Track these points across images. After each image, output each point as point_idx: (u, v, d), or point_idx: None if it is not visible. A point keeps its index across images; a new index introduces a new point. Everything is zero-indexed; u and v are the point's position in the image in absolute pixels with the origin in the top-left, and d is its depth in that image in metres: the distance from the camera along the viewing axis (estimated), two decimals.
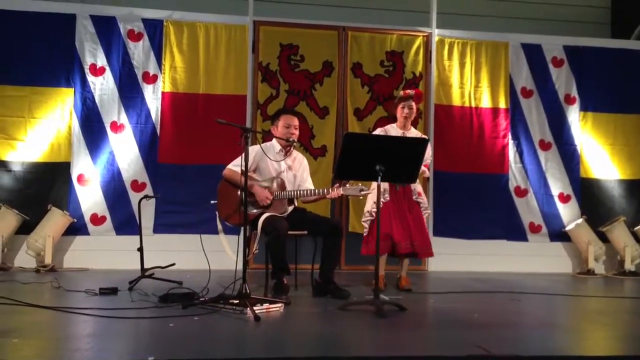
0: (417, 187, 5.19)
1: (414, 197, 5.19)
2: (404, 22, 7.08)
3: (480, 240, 6.83)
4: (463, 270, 6.58)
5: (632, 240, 6.81)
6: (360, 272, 5.37)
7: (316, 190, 4.63)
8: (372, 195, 5.01)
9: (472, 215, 6.83)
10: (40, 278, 5.25)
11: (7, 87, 6.25)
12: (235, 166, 4.67)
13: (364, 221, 5.23)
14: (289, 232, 4.51)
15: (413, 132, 5.31)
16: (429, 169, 5.22)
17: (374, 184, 4.48)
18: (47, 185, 6.24)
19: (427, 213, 5.32)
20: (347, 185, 4.50)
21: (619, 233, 6.82)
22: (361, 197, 4.66)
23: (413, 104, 5.21)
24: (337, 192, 4.49)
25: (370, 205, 5.20)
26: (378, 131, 5.28)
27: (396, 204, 5.12)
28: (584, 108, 7.14)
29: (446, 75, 6.95)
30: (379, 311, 3.75)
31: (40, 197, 6.17)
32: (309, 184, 4.91)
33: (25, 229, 6.03)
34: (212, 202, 4.74)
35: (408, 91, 5.29)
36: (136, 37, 6.49)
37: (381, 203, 5.07)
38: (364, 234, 5.23)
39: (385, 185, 5.10)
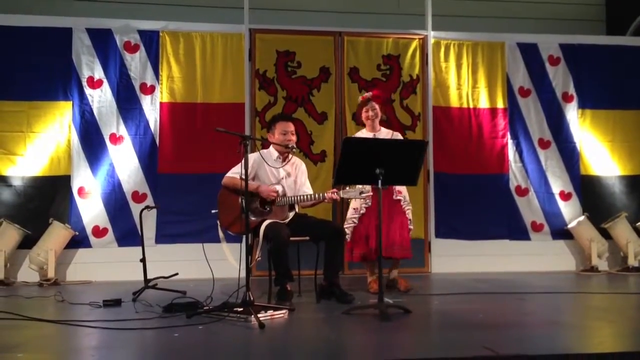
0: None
1: (393, 196, 5.12)
2: (400, 26, 7.08)
3: (483, 240, 6.81)
4: (466, 271, 6.57)
5: (634, 236, 6.79)
6: (363, 276, 5.36)
7: (315, 195, 4.63)
8: (354, 201, 5.06)
9: (474, 215, 6.82)
10: (43, 292, 5.25)
11: (5, 103, 6.25)
12: (234, 173, 4.67)
13: (346, 227, 5.12)
14: (291, 239, 4.51)
15: (384, 132, 5.25)
16: None
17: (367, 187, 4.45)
18: (47, 199, 6.23)
19: (409, 209, 5.20)
20: (347, 188, 4.49)
21: (621, 229, 6.81)
22: (362, 199, 4.65)
23: (375, 105, 5.18)
24: (334, 195, 4.48)
25: (350, 212, 5.21)
26: None
27: (377, 208, 5.07)
28: (582, 105, 7.14)
29: (443, 77, 6.96)
30: (383, 314, 3.75)
31: (42, 211, 6.16)
32: (307, 188, 4.90)
33: (27, 243, 6.02)
34: (213, 211, 4.73)
35: (366, 95, 5.28)
36: (133, 48, 6.50)
37: (364, 209, 5.10)
38: (347, 240, 5.07)
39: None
